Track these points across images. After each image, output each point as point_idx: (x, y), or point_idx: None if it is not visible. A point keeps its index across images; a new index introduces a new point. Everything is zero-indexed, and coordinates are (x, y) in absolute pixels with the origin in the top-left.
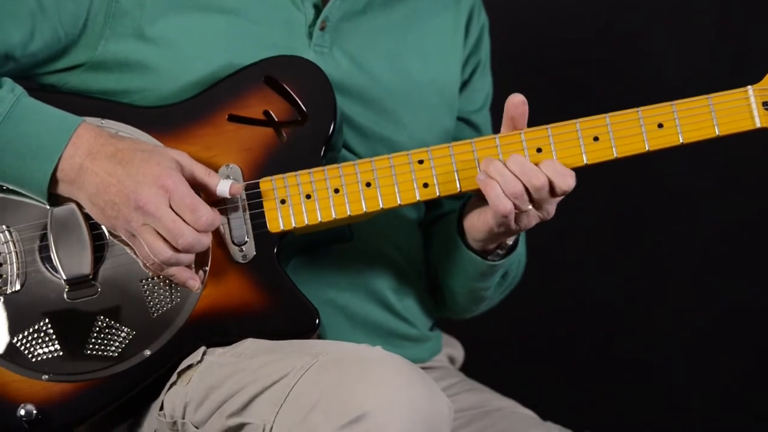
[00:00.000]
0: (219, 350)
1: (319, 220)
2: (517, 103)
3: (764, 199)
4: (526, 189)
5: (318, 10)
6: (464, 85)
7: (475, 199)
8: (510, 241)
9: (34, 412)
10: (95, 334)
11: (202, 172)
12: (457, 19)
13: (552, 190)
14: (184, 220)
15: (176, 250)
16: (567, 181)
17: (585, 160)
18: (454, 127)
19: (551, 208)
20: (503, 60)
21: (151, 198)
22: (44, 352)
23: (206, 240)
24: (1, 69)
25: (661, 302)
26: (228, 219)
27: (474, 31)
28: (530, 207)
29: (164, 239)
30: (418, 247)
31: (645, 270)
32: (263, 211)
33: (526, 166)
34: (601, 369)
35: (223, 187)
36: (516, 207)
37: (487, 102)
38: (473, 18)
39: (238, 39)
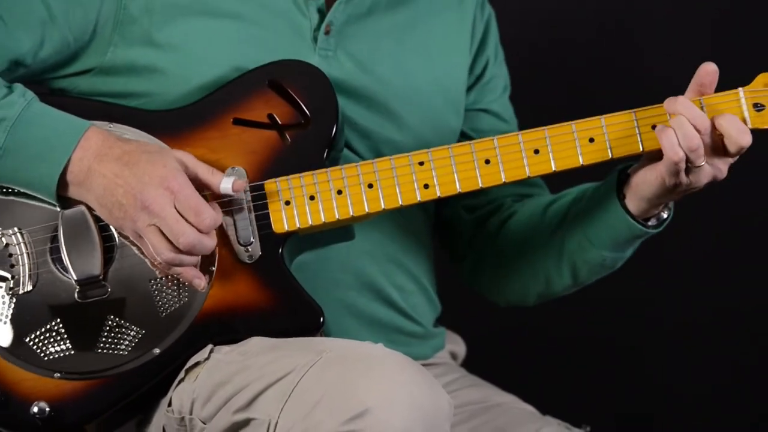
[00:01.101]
0: (225, 348)
1: (323, 220)
2: (710, 71)
3: (757, 197)
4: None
5: (322, 14)
6: (478, 80)
7: (645, 160)
8: (664, 214)
9: (47, 409)
10: (105, 333)
11: (205, 171)
12: (462, 20)
13: (723, 146)
14: (187, 221)
15: (178, 250)
16: (744, 137)
17: (581, 161)
18: (460, 126)
19: (724, 167)
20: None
21: (157, 199)
22: (56, 351)
23: (208, 242)
24: (13, 75)
25: (661, 298)
26: (234, 220)
27: (479, 29)
28: (704, 162)
29: (167, 239)
30: (424, 245)
31: (645, 266)
32: (268, 213)
33: (695, 110)
34: (600, 365)
35: (226, 185)
36: (690, 160)
37: (506, 90)
38: (477, 16)
39: (245, 43)
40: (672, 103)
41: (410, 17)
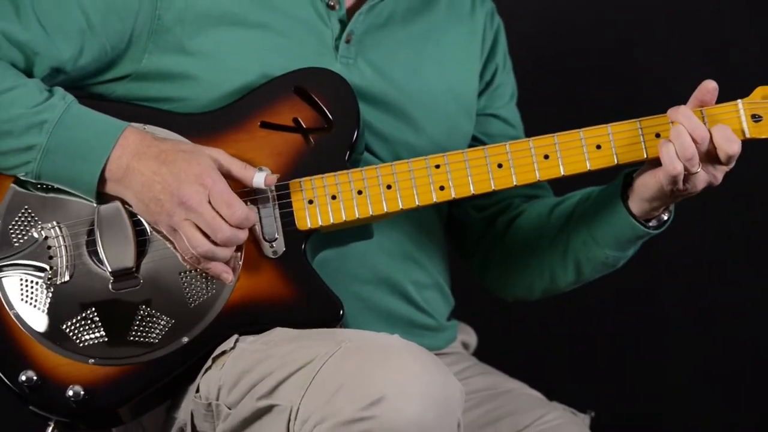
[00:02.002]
0: (250, 338)
1: (344, 219)
2: (711, 89)
3: (750, 201)
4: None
5: (343, 24)
6: (488, 86)
7: (647, 165)
8: (665, 216)
9: (82, 392)
10: (137, 322)
11: (238, 167)
12: (473, 30)
13: (717, 154)
14: (221, 216)
15: (214, 243)
16: (732, 146)
17: (588, 166)
18: (472, 130)
19: (719, 174)
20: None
21: (193, 195)
22: (91, 338)
23: (242, 235)
24: (54, 80)
25: (663, 294)
26: (260, 217)
27: (489, 39)
28: (699, 169)
29: (203, 233)
30: (438, 243)
31: (649, 259)
32: (292, 211)
33: (694, 120)
34: (602, 355)
35: (259, 179)
36: (686, 168)
37: (513, 97)
38: (487, 26)
39: (272, 52)
40: (674, 113)
41: (425, 28)
